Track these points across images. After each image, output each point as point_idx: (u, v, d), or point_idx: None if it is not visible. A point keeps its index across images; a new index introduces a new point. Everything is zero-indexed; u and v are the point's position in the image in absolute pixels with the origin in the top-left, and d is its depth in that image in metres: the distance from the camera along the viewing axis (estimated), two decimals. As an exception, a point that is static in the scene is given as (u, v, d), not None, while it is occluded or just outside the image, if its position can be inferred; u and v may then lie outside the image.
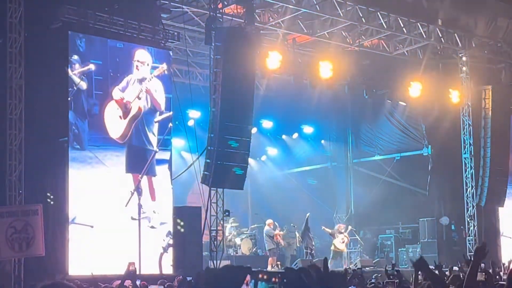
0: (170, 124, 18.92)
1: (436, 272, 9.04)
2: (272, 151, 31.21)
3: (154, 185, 18.33)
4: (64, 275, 15.97)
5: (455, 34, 24.17)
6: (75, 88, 17.31)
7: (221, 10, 19.69)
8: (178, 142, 23.52)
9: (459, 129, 25.14)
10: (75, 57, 17.42)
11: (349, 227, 25.32)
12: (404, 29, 23.07)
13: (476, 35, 24.51)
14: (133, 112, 18.10)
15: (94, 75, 17.67)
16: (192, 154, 21.81)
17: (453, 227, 25.68)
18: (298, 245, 25.02)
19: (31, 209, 14.84)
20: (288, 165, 31.38)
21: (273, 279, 5.03)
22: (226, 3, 19.91)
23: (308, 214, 24.47)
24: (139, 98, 18.24)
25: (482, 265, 12.78)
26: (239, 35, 19.40)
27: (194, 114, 24.56)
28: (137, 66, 18.31)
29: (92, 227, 17.03)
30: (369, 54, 24.45)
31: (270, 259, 23.06)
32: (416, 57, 25.00)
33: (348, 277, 11.67)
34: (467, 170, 24.85)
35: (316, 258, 23.05)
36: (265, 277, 5.08)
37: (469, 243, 24.26)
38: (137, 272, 13.90)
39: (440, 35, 23.84)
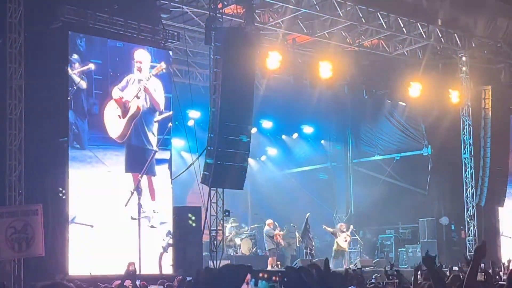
0: (170, 124, 18.92)
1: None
2: (272, 151, 31.22)
3: (154, 185, 18.33)
4: (64, 275, 15.97)
5: (455, 34, 24.17)
6: (74, 87, 17.31)
7: (221, 10, 19.69)
8: (178, 142, 23.52)
9: (459, 129, 25.14)
10: (75, 56, 17.42)
11: (351, 226, 25.36)
12: (404, 29, 23.07)
13: (476, 35, 24.51)
14: (132, 111, 18.09)
15: (94, 75, 17.67)
16: (192, 154, 21.80)
17: (453, 227, 25.68)
18: (298, 245, 25.03)
19: (31, 209, 14.83)
20: (288, 165, 31.39)
21: (274, 278, 5.03)
22: (226, 3, 19.91)
23: (308, 214, 24.48)
24: (138, 97, 18.23)
25: (482, 265, 12.79)
26: (239, 35, 19.40)
27: (194, 114, 24.55)
28: (138, 67, 18.30)
29: (92, 226, 17.03)
30: (369, 54, 24.45)
31: (270, 259, 23.07)
32: (416, 57, 25.00)
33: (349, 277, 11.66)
34: (467, 170, 24.86)
35: (316, 258, 23.05)
36: (265, 276, 5.08)
37: (469, 243, 24.26)
38: (137, 272, 13.88)
39: (440, 35, 23.85)
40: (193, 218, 19.13)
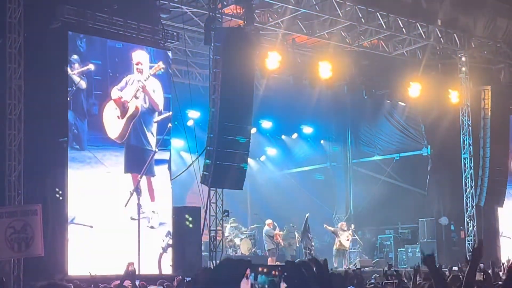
0: (170, 124, 18.91)
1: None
2: (272, 151, 31.24)
3: (154, 185, 18.33)
4: (64, 275, 15.96)
5: (455, 35, 24.18)
6: (74, 88, 17.31)
7: (220, 10, 19.70)
8: (177, 142, 23.53)
9: (458, 129, 25.15)
10: (75, 56, 17.41)
11: (352, 225, 25.40)
12: (403, 29, 23.07)
13: (476, 36, 24.52)
14: (130, 111, 18.08)
15: (94, 75, 17.66)
16: (192, 154, 21.80)
17: (452, 227, 25.69)
18: (297, 245, 25.05)
19: (30, 209, 14.81)
20: (288, 165, 31.41)
21: (273, 273, 5.04)
22: (225, 3, 19.92)
23: (307, 215, 24.48)
24: (137, 98, 18.22)
25: (482, 265, 12.79)
26: (238, 36, 19.40)
27: (193, 114, 24.56)
28: (138, 69, 18.29)
29: (91, 227, 17.03)
30: (369, 54, 24.45)
31: (269, 259, 23.07)
32: (416, 57, 25.01)
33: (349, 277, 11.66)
34: (467, 170, 24.87)
35: (315, 258, 23.03)
36: (265, 270, 5.08)
37: (469, 243, 24.26)
38: (136, 272, 13.88)
39: (440, 36, 23.85)
40: (190, 219, 19.11)
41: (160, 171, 18.56)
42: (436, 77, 24.97)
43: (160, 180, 18.51)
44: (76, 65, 17.36)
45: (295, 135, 30.90)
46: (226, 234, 23.73)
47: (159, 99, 18.64)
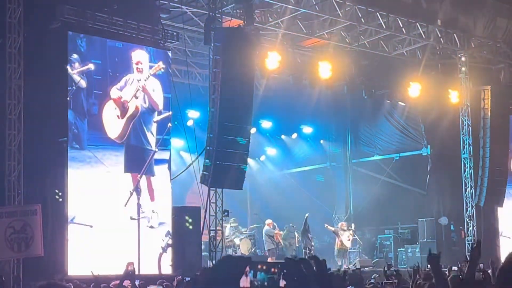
0: (169, 124, 18.91)
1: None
2: (271, 151, 31.24)
3: (153, 185, 18.33)
4: (63, 275, 15.96)
5: (454, 35, 24.18)
6: (74, 87, 17.31)
7: (220, 10, 19.69)
8: (177, 142, 23.54)
9: (458, 129, 25.15)
10: (75, 56, 17.40)
11: (353, 225, 25.40)
12: (403, 29, 23.07)
13: (475, 36, 24.52)
14: (130, 111, 18.08)
15: (94, 75, 17.66)
16: (191, 154, 21.80)
17: (452, 227, 25.69)
18: (297, 245, 25.06)
19: (30, 209, 14.82)
20: (287, 165, 31.41)
21: (272, 270, 5.04)
22: (225, 3, 19.91)
23: (307, 215, 24.48)
24: (136, 97, 18.22)
25: (481, 265, 12.79)
26: (238, 36, 19.40)
27: (193, 114, 24.56)
28: (138, 68, 18.30)
29: (91, 227, 17.02)
30: (368, 54, 24.45)
31: (269, 259, 23.07)
32: (415, 57, 25.00)
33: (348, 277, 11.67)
34: (466, 170, 24.87)
35: (315, 258, 23.02)
36: (264, 267, 5.09)
37: (468, 243, 24.26)
38: (136, 272, 13.89)
39: (439, 36, 23.85)
40: (190, 220, 19.11)
41: (160, 171, 18.56)
42: (436, 77, 24.98)
43: (160, 180, 18.51)
44: (76, 65, 17.36)
45: (295, 135, 30.90)
46: (226, 234, 23.72)
47: (159, 99, 18.64)
